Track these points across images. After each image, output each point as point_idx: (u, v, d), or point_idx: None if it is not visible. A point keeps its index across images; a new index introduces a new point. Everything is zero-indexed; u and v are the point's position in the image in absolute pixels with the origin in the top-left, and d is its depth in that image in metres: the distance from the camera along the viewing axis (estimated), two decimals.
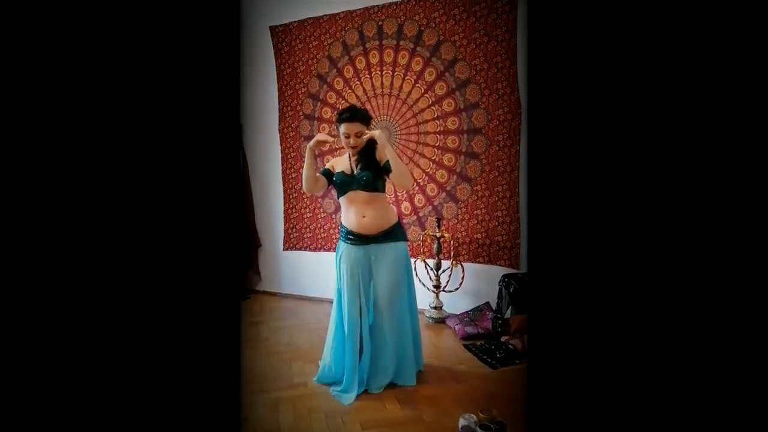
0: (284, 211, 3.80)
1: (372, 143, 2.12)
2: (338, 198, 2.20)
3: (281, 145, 3.74)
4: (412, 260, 3.27)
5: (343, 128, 2.06)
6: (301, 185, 2.11)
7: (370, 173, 2.09)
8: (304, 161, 2.12)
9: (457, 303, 3.21)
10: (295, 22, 3.54)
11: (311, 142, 2.07)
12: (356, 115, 2.05)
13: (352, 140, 2.05)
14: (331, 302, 2.30)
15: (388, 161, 2.05)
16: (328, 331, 2.31)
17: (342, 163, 2.20)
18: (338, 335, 2.25)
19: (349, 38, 3.38)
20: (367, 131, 2.08)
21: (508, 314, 2.76)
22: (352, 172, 2.14)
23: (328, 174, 2.19)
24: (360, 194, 2.12)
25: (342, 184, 2.14)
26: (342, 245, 2.21)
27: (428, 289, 3.22)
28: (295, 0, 3.52)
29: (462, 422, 1.78)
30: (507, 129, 2.99)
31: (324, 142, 2.08)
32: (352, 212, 2.15)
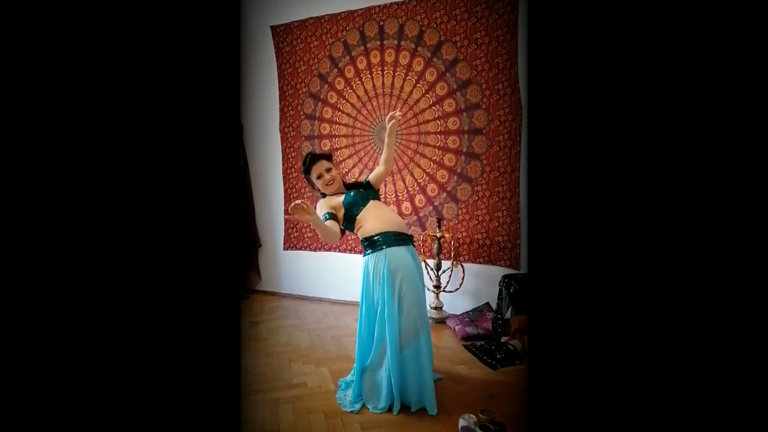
0: (285, 210, 3.79)
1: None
2: (358, 213, 2.07)
3: (282, 144, 3.74)
4: None
5: (313, 173, 2.13)
6: (322, 236, 1.97)
7: (371, 189, 2.21)
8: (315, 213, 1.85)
9: (457, 303, 3.21)
10: (296, 21, 3.54)
11: (296, 213, 1.74)
12: (316, 155, 2.17)
13: (326, 176, 2.13)
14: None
15: (366, 180, 2.28)
16: (385, 353, 1.99)
17: (339, 197, 2.15)
18: (388, 352, 1.97)
19: (351, 38, 3.38)
20: (334, 168, 2.17)
21: (508, 315, 2.76)
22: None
23: (334, 215, 2.06)
24: (378, 202, 2.16)
25: (360, 198, 2.10)
26: (383, 252, 1.98)
27: (428, 289, 3.22)
28: None
29: (462, 423, 1.78)
30: (508, 129, 2.99)
31: (299, 208, 1.74)
32: (388, 213, 2.12)
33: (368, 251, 2.03)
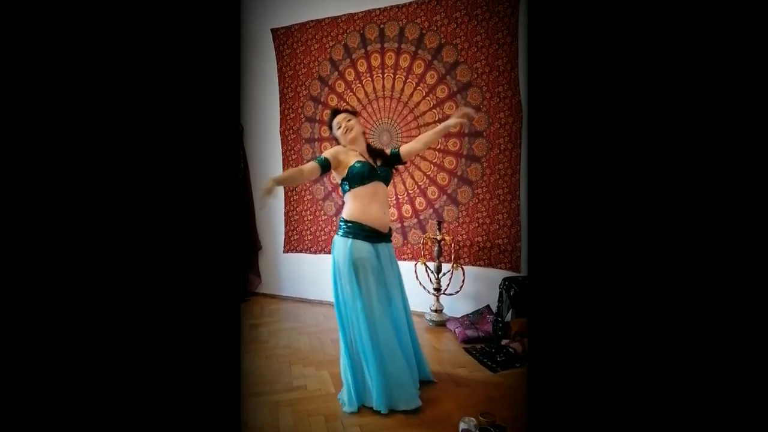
0: (285, 213, 3.79)
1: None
2: (353, 188, 2.04)
3: (282, 147, 3.74)
4: (413, 263, 3.29)
5: (334, 124, 2.15)
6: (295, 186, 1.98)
7: (388, 169, 2.16)
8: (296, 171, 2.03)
9: (457, 306, 3.20)
10: (296, 24, 3.55)
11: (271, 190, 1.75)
12: (339, 110, 2.22)
13: (343, 125, 2.11)
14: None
15: (395, 151, 2.23)
16: (367, 351, 2.01)
17: (354, 156, 2.08)
18: (368, 351, 2.00)
19: (351, 41, 3.38)
20: (355, 119, 2.17)
21: (508, 317, 2.75)
22: (372, 165, 2.10)
23: (327, 164, 2.01)
24: (381, 187, 2.11)
25: (366, 173, 2.03)
26: (356, 243, 2.01)
27: (428, 292, 3.21)
28: (296, 2, 3.53)
29: (462, 426, 1.77)
30: (508, 132, 2.99)
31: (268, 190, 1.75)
32: (376, 206, 2.06)
33: (339, 232, 2.08)
